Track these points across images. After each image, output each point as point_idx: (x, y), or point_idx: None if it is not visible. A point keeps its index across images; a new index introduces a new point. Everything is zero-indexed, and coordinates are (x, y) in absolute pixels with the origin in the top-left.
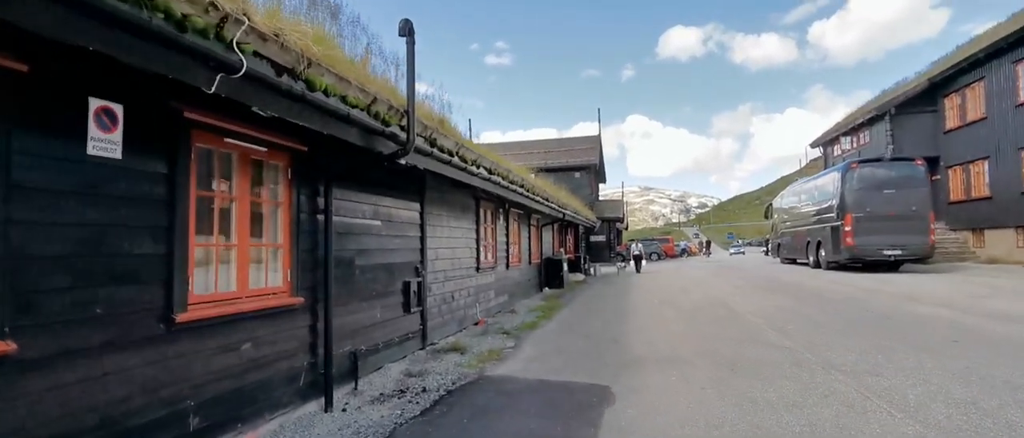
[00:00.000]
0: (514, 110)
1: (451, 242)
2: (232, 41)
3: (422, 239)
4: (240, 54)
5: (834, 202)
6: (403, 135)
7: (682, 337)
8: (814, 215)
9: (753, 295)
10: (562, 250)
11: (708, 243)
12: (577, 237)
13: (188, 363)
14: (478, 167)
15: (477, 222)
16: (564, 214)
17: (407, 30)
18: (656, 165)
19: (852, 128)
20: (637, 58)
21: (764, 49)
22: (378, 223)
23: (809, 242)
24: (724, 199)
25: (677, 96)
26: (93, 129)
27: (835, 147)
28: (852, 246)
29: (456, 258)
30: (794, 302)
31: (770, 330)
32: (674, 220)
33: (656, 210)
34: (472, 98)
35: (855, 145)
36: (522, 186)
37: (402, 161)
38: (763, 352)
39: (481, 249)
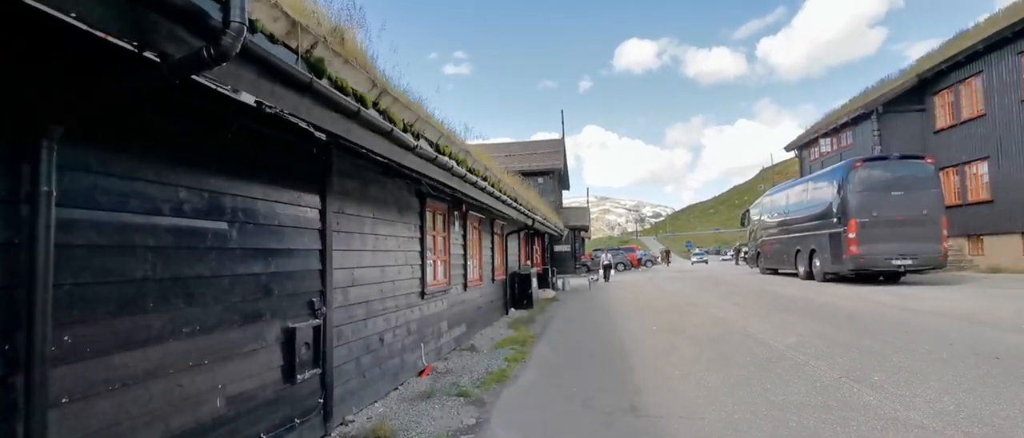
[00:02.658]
0: (473, 119)
1: (380, 258)
2: None
3: (324, 254)
4: None
5: (833, 206)
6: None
7: (730, 397)
8: (806, 221)
9: (770, 317)
10: (529, 262)
11: (667, 252)
12: (544, 247)
13: None
14: (418, 137)
15: (422, 229)
16: (533, 220)
17: None
18: (612, 175)
19: (833, 129)
20: (593, 70)
21: (715, 63)
22: (220, 226)
23: (799, 251)
24: (678, 209)
25: (632, 108)
26: None
27: (813, 150)
28: (856, 255)
29: (388, 281)
30: (831, 328)
31: (854, 384)
32: (630, 229)
33: (612, 219)
34: (430, 106)
35: (836, 147)
36: (486, 180)
37: (206, 81)
38: None
39: (428, 266)
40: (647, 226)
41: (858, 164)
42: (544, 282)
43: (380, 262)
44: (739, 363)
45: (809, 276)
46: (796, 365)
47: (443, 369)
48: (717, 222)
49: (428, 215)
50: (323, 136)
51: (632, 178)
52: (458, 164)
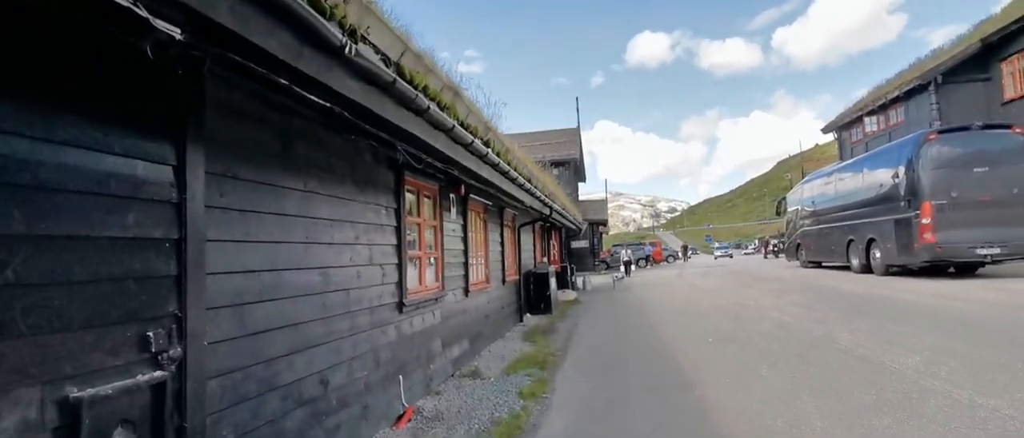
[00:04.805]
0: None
1: (321, 255)
2: None
3: (182, 246)
4: None
5: (899, 188)
6: None
7: None
8: (860, 207)
9: (852, 322)
10: (546, 259)
11: (685, 247)
12: (561, 243)
13: None
14: (356, 38)
15: (398, 214)
16: (551, 209)
17: None
18: (625, 171)
19: (880, 106)
20: (606, 65)
21: (730, 55)
22: None
23: (851, 241)
24: (694, 203)
25: (646, 102)
26: None
27: (854, 131)
28: (932, 244)
29: (338, 289)
30: (953, 339)
31: None
32: (645, 225)
33: (627, 215)
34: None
35: (883, 126)
36: (495, 152)
37: None
38: None
39: (409, 267)
40: (663, 221)
41: (932, 137)
42: (563, 282)
43: (322, 261)
44: (864, 402)
45: (866, 269)
46: (955, 403)
47: (432, 411)
48: (735, 216)
49: (407, 196)
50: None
51: (647, 173)
52: (459, 123)
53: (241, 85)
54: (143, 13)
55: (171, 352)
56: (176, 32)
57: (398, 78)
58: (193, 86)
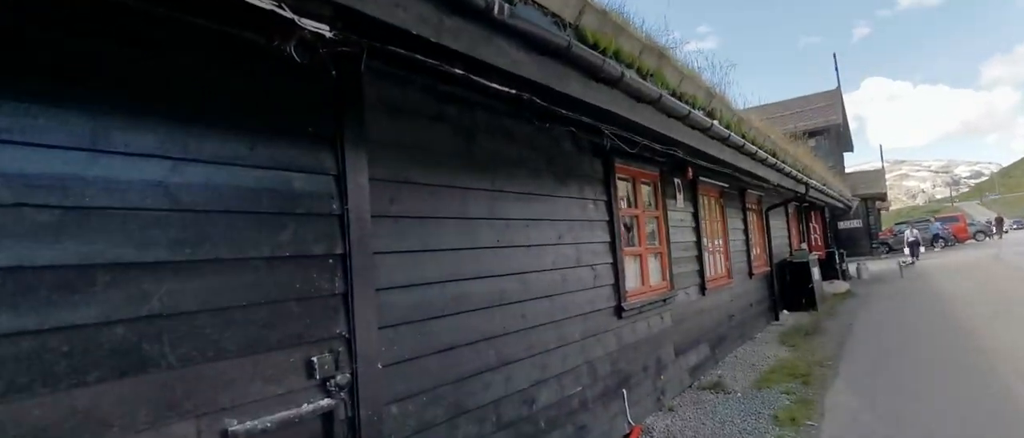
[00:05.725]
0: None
1: (516, 258)
2: None
3: (348, 261)
4: None
5: None
6: None
7: None
8: None
9: None
10: (805, 246)
11: (999, 220)
12: (824, 225)
13: None
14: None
15: (610, 207)
16: (807, 186)
17: None
18: (906, 134)
19: None
20: (869, 12)
21: None
22: None
23: None
24: (1007, 164)
25: (928, 48)
26: None
27: None
28: None
29: (539, 296)
30: None
31: None
32: (938, 196)
33: (912, 186)
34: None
35: None
36: (722, 123)
37: None
38: None
39: (626, 264)
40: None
41: None
42: (830, 271)
43: (517, 266)
44: None
45: None
46: None
47: (663, 432)
48: None
49: (620, 185)
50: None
51: (937, 133)
52: (644, 77)
53: (406, 80)
54: (288, 14)
55: (338, 378)
56: (325, 29)
57: (575, 42)
58: (348, 86)
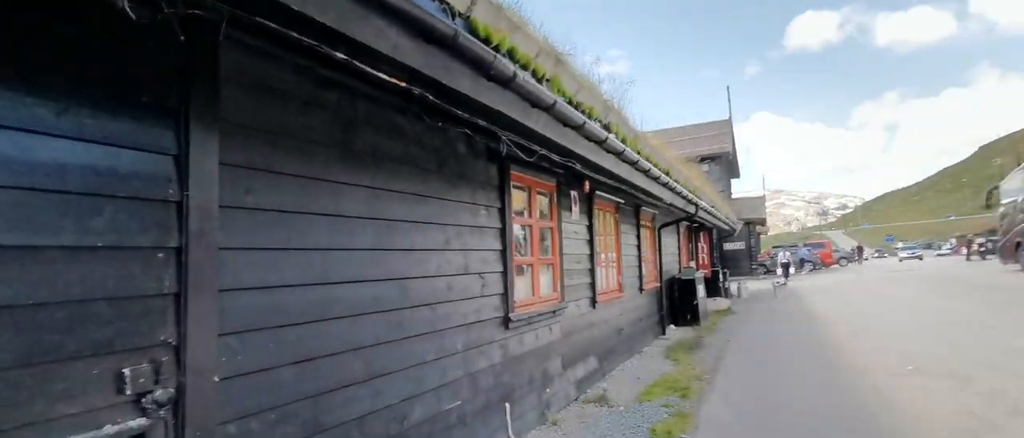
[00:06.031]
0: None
1: (397, 263)
2: None
3: (184, 256)
4: None
5: None
6: None
7: None
8: None
9: None
10: (693, 264)
11: (859, 248)
12: (711, 245)
13: None
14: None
15: (503, 215)
16: (697, 207)
17: None
18: (786, 166)
19: None
20: (761, 52)
21: (915, 26)
22: None
23: None
24: (869, 198)
25: (809, 89)
26: None
27: None
28: None
29: (418, 304)
30: None
31: None
32: (810, 224)
33: (788, 214)
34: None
35: None
36: (618, 138)
37: None
38: None
39: (515, 275)
40: (831, 219)
41: None
42: (714, 289)
43: (396, 271)
44: None
45: None
46: None
47: None
48: (922, 211)
49: (515, 193)
50: None
51: (811, 167)
52: (539, 81)
53: (278, 58)
54: None
55: (157, 393)
56: None
57: (463, 32)
58: (201, 56)
